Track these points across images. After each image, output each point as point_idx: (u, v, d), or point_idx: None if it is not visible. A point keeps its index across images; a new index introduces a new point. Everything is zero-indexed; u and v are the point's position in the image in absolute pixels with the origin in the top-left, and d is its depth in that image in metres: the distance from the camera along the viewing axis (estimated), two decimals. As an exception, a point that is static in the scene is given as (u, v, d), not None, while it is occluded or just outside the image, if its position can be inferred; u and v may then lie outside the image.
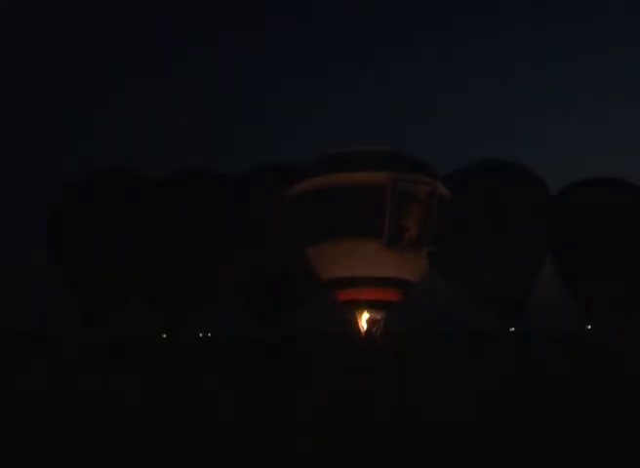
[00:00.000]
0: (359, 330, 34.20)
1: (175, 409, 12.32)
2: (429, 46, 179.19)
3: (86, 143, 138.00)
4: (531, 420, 10.60)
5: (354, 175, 33.38)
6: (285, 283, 36.96)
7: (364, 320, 34.28)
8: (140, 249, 35.54)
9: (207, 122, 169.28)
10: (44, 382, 18.42)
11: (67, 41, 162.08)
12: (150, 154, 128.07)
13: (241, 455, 8.27)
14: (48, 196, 39.74)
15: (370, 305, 34.19)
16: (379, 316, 34.43)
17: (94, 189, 37.50)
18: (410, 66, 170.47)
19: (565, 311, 41.88)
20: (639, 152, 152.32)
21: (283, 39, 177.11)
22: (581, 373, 20.10)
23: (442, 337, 34.48)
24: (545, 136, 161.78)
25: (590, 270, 38.99)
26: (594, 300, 39.60)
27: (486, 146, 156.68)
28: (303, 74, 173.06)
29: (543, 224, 39.01)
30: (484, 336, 35.79)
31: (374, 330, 34.09)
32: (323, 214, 33.58)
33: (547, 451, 8.32)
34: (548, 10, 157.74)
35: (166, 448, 8.77)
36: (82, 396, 14.96)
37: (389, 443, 8.89)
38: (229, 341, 34.63)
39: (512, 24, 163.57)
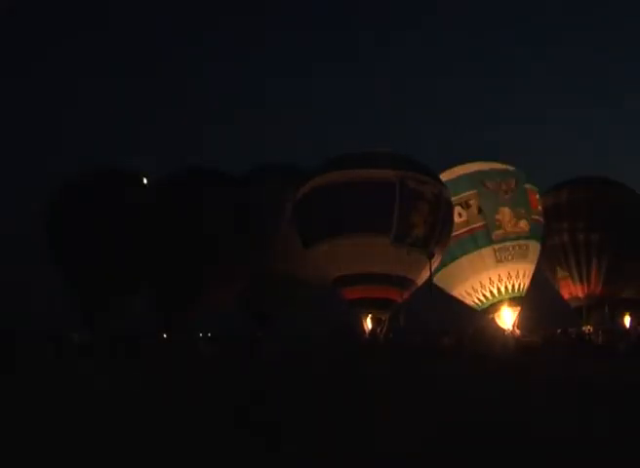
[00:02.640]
0: (364, 329, 34.08)
1: (174, 410, 12.35)
2: (429, 46, 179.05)
3: (86, 143, 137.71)
4: (530, 420, 10.63)
5: (362, 172, 33.36)
6: (285, 283, 36.96)
7: (369, 319, 34.10)
8: (139, 249, 35.59)
9: (207, 122, 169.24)
10: (44, 382, 18.47)
11: (67, 41, 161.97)
12: (150, 154, 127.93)
13: (241, 456, 8.30)
14: (48, 196, 39.69)
15: (376, 304, 33.91)
16: (383, 316, 34.26)
17: (94, 189, 37.57)
18: (410, 66, 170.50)
19: (564, 311, 42.04)
20: (639, 152, 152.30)
21: (283, 39, 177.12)
22: (581, 373, 20.15)
23: (441, 337, 34.54)
24: (545, 135, 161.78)
25: (579, 271, 39.47)
26: (587, 300, 39.92)
27: (486, 146, 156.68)
28: (303, 74, 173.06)
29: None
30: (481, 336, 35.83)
31: (378, 329, 33.98)
32: (330, 211, 33.42)
33: (547, 452, 8.36)
34: (548, 10, 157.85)
35: (166, 447, 8.80)
36: (81, 396, 15.00)
37: (389, 443, 8.93)
38: (229, 341, 34.69)
39: (512, 24, 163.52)
